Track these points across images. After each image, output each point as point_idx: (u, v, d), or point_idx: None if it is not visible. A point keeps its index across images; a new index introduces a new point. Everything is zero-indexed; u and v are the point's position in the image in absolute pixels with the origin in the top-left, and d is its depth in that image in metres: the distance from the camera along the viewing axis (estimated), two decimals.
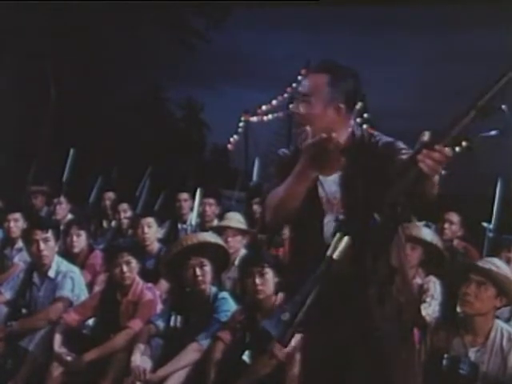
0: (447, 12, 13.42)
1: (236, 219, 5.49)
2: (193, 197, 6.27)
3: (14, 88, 12.31)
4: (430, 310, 4.13)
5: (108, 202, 7.20)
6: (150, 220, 5.52)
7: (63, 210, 6.97)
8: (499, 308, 3.57)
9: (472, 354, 3.45)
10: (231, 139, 16.76)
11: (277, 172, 2.58)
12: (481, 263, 3.57)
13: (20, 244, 5.63)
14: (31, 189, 8.00)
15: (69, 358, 4.26)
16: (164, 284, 4.91)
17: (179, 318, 4.26)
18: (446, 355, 3.46)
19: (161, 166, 10.06)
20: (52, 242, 4.80)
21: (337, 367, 2.56)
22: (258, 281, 3.96)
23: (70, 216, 6.82)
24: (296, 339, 2.49)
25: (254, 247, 5.51)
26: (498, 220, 5.29)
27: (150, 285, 4.60)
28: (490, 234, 5.24)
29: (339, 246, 2.22)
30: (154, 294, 4.55)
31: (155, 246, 5.49)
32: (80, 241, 5.51)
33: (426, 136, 2.13)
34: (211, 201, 6.46)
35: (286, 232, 4.95)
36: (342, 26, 15.40)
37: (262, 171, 7.89)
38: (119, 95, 14.45)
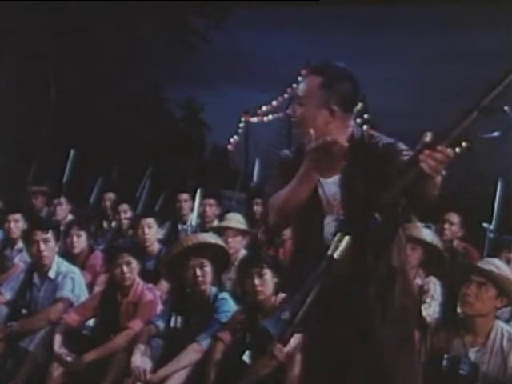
0: (447, 12, 13.42)
1: (236, 220, 5.49)
2: (193, 197, 6.27)
3: (14, 88, 12.31)
4: (431, 310, 4.14)
5: (108, 203, 7.19)
6: (151, 221, 5.52)
7: (63, 211, 6.97)
8: (499, 308, 3.57)
9: (472, 354, 3.45)
10: (231, 139, 16.76)
11: (279, 174, 2.58)
12: (481, 264, 3.57)
13: (20, 245, 5.63)
14: (31, 189, 7.99)
15: (69, 359, 4.26)
16: (164, 284, 4.91)
17: (179, 318, 4.26)
18: (446, 355, 3.46)
19: (161, 167, 10.06)
20: (52, 243, 4.80)
21: (337, 366, 2.56)
22: (257, 282, 3.96)
23: (70, 216, 6.81)
24: (296, 339, 2.50)
25: (254, 248, 5.51)
26: (499, 220, 5.29)
27: (150, 285, 4.60)
28: (491, 235, 5.24)
29: (340, 246, 2.23)
30: (155, 294, 4.55)
31: (155, 247, 5.49)
32: (80, 241, 5.51)
33: (428, 136, 2.13)
34: (211, 201, 6.46)
35: (286, 232, 4.95)
36: (342, 25, 15.40)
37: (262, 172, 7.89)
38: (119, 95, 14.44)
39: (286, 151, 2.68)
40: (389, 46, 15.68)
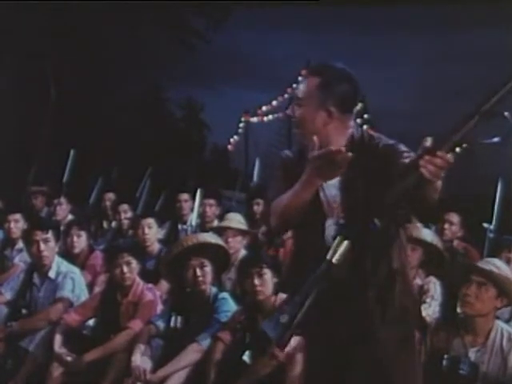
0: (447, 12, 13.41)
1: (236, 220, 5.49)
2: (193, 197, 6.27)
3: (14, 88, 12.30)
4: (430, 310, 4.14)
5: (108, 203, 7.19)
6: (151, 221, 5.52)
7: (63, 211, 6.97)
8: (499, 308, 3.57)
9: (472, 354, 3.45)
10: (231, 139, 16.77)
11: (280, 175, 2.58)
12: (481, 264, 3.57)
13: (20, 245, 5.63)
14: (31, 189, 8.00)
15: (69, 359, 4.26)
16: (164, 284, 4.91)
17: (179, 318, 4.26)
18: (446, 355, 3.46)
19: (161, 167, 10.06)
20: (52, 243, 4.80)
21: (337, 367, 2.56)
22: (256, 282, 3.96)
23: (70, 217, 6.81)
24: (297, 340, 2.50)
25: (254, 248, 5.52)
26: (499, 220, 5.29)
27: (150, 285, 4.60)
28: (491, 235, 5.24)
29: (339, 250, 2.23)
30: (155, 294, 4.55)
31: (155, 247, 5.49)
32: (80, 241, 5.51)
33: (428, 141, 2.13)
34: (211, 201, 6.46)
35: (286, 233, 4.95)
36: (342, 26, 15.38)
37: (262, 172, 7.89)
38: (119, 95, 14.44)
39: (287, 151, 2.68)
40: (389, 46, 15.66)
